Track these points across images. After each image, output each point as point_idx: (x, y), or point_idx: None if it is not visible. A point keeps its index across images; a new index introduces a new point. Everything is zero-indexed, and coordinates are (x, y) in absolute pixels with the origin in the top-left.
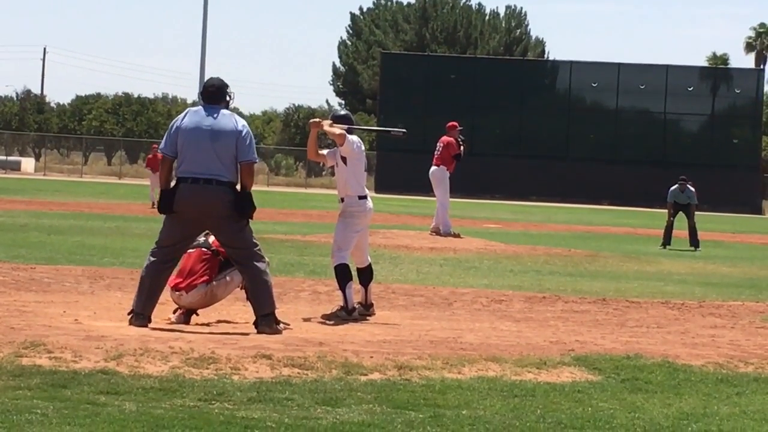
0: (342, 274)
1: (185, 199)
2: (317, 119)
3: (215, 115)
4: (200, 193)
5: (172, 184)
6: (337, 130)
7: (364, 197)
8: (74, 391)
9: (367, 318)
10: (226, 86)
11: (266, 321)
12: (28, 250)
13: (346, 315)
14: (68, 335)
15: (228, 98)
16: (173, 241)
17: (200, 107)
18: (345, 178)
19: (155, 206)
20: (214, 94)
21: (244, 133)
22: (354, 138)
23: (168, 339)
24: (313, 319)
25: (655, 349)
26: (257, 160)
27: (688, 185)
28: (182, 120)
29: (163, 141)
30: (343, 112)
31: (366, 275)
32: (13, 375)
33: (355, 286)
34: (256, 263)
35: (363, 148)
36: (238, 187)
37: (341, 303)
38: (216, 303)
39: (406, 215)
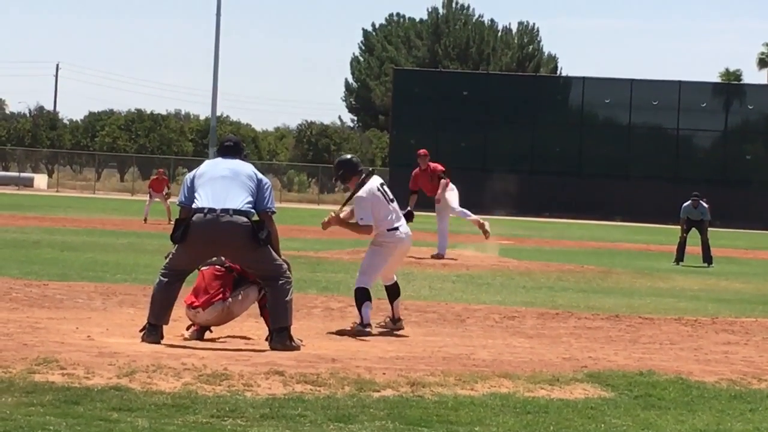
0: (360, 297)
1: (199, 231)
2: (325, 221)
3: (234, 161)
4: (214, 224)
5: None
6: (352, 218)
7: (394, 229)
8: (87, 408)
9: (395, 332)
10: (243, 143)
11: (280, 336)
12: (41, 266)
13: (360, 328)
14: (81, 352)
15: (244, 154)
16: (184, 268)
17: (217, 158)
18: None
19: (146, 221)
20: (232, 148)
21: (264, 182)
22: (366, 193)
23: (181, 355)
24: (325, 336)
25: (669, 365)
26: (276, 212)
27: (701, 201)
28: (198, 169)
29: (180, 194)
30: (341, 172)
31: (393, 292)
32: (26, 391)
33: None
34: (279, 281)
35: (376, 191)
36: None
37: (356, 320)
38: (231, 320)
39: (419, 231)
